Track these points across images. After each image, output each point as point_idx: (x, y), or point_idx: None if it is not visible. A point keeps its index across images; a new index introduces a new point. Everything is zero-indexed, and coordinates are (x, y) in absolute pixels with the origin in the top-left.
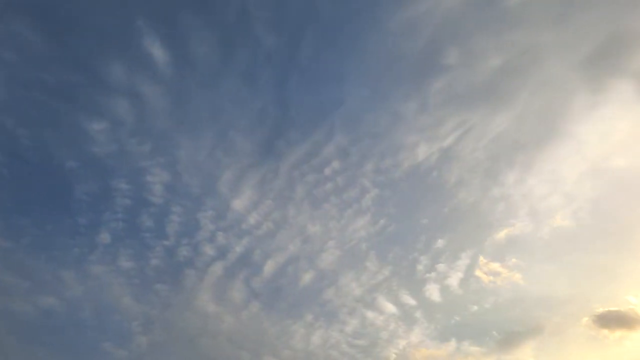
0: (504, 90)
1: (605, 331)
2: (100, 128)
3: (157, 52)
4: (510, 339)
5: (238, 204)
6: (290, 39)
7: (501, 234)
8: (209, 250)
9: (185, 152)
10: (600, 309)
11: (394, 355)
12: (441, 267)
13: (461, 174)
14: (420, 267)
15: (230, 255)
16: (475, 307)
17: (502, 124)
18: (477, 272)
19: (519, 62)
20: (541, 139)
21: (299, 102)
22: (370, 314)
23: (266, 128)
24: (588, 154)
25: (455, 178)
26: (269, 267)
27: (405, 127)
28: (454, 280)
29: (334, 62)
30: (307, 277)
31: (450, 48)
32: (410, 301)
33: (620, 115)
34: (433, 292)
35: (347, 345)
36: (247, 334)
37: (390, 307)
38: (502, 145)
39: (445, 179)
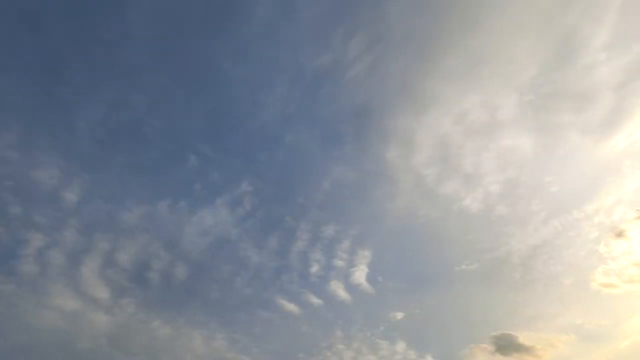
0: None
1: None
2: None
3: None
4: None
5: (40, 174)
6: None
7: (395, 223)
8: (29, 234)
9: None
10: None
11: None
12: (339, 262)
13: (320, 141)
14: (313, 262)
15: (64, 241)
16: (402, 314)
17: (349, 83)
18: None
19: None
20: (403, 103)
21: (62, 32)
22: (272, 315)
23: (29, 67)
24: (476, 127)
25: (317, 146)
26: (123, 258)
27: (223, 76)
28: (360, 277)
29: None
30: (180, 272)
31: None
32: (315, 300)
33: (503, 82)
34: (338, 290)
35: (260, 350)
36: (132, 337)
37: (292, 307)
38: (358, 107)
39: (305, 147)
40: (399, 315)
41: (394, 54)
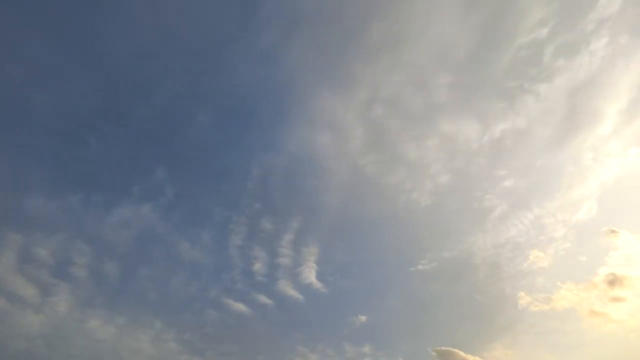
0: None
1: None
2: None
3: None
4: None
5: None
6: None
7: (339, 216)
8: None
9: None
10: None
11: None
12: (284, 260)
13: (239, 121)
14: (254, 259)
15: None
16: (364, 318)
17: (261, 55)
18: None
19: None
20: (324, 81)
21: None
22: (222, 315)
23: None
24: (411, 111)
25: (237, 127)
26: (41, 253)
27: (111, 45)
28: (309, 275)
29: None
30: (109, 268)
31: None
32: (266, 300)
33: (433, 61)
34: (288, 290)
35: (215, 352)
36: (70, 337)
37: (241, 307)
38: (276, 84)
39: (223, 129)
40: (362, 318)
41: (306, 25)
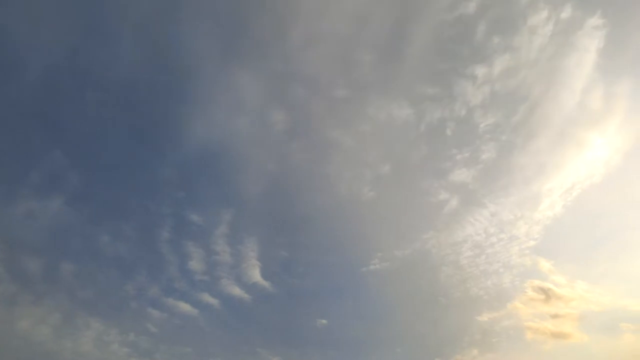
0: None
1: None
2: None
3: None
4: None
5: None
6: None
7: (273, 208)
8: None
9: None
10: None
11: None
12: (223, 257)
13: (142, 98)
14: (187, 256)
15: None
16: (325, 321)
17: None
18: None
19: None
20: (226, 54)
21: None
22: (167, 315)
23: None
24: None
25: (118, 119)
26: None
27: None
28: (253, 274)
29: None
30: (29, 264)
31: None
32: (211, 300)
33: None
34: (232, 288)
35: (167, 355)
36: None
37: (186, 307)
38: (176, 60)
39: (108, 119)
40: (323, 321)
41: None
